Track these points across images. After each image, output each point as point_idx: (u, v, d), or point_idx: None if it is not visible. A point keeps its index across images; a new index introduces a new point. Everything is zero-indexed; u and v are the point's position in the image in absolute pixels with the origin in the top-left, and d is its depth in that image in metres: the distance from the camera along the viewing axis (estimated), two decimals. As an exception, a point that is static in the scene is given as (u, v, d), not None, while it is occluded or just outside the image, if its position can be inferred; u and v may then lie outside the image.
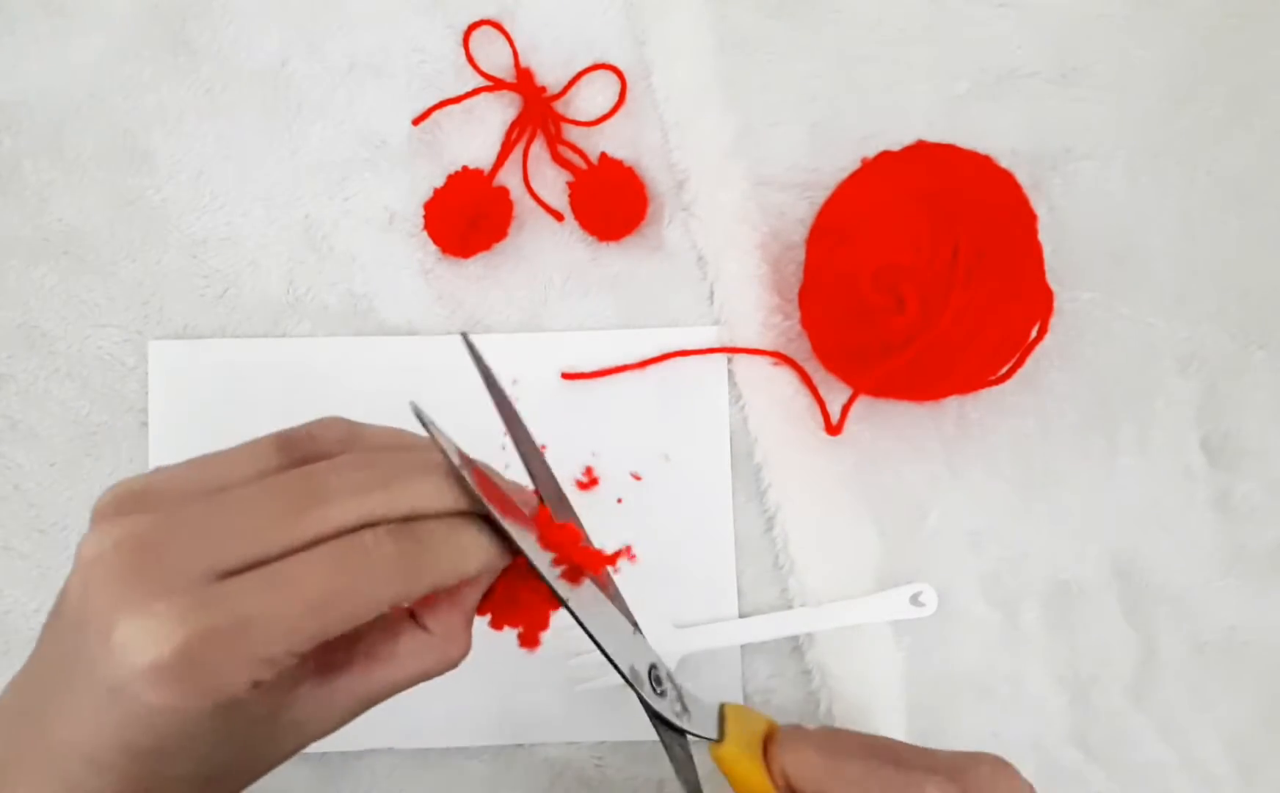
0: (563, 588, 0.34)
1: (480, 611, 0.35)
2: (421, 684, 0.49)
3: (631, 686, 0.36)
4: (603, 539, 0.51)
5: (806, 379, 0.53)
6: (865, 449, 0.53)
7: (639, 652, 0.36)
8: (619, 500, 0.52)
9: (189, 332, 0.53)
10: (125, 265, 0.54)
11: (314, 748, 0.50)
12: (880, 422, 0.53)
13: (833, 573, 0.52)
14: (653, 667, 0.37)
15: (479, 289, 0.54)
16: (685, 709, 0.38)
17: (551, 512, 0.35)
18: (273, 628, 0.28)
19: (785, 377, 0.53)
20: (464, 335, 0.35)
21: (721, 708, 0.39)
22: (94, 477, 0.52)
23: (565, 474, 0.52)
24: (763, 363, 0.53)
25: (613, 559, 0.35)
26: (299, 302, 0.54)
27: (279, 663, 0.28)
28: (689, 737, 0.37)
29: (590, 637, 0.34)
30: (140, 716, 0.28)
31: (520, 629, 0.36)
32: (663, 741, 0.37)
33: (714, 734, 0.38)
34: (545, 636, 0.36)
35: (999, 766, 0.37)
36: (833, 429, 0.52)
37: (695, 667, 0.51)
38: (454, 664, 0.34)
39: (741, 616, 0.52)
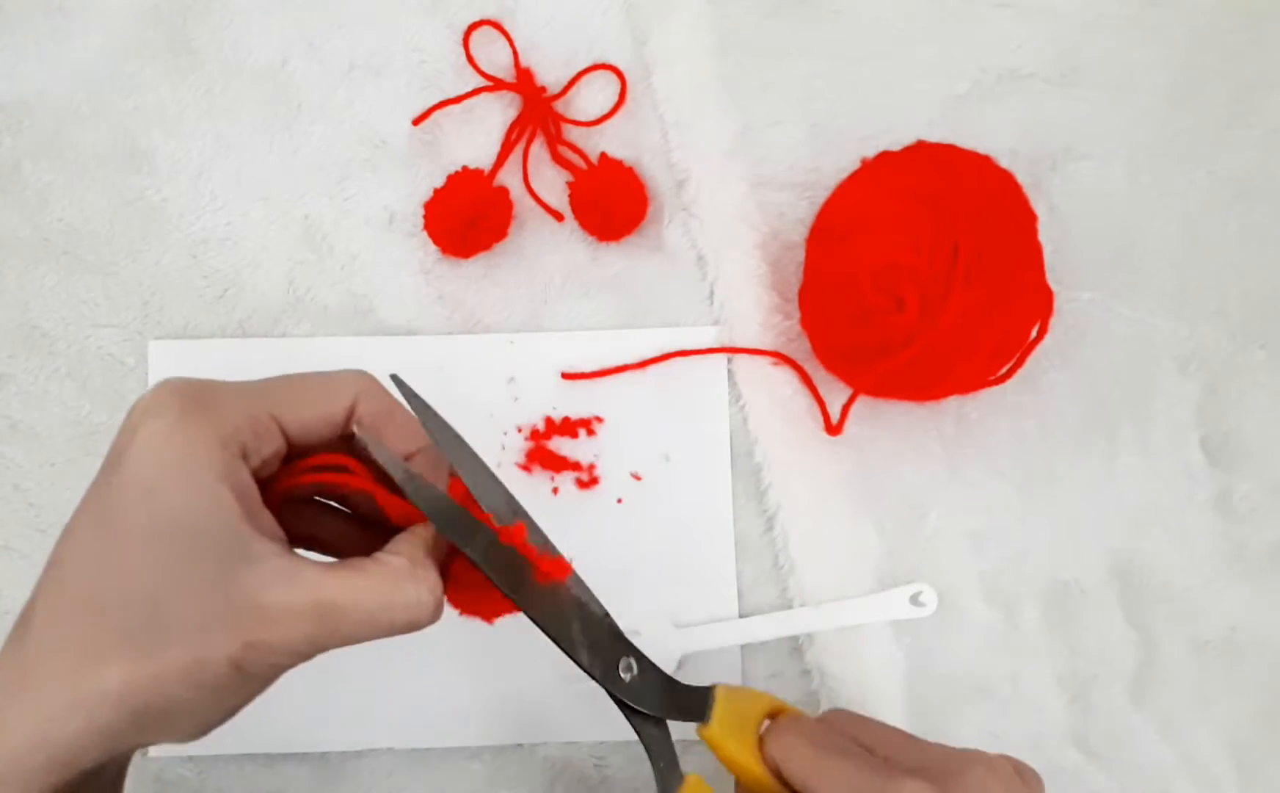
0: (520, 590, 0.34)
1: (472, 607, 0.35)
2: (421, 684, 0.50)
3: (593, 677, 0.36)
4: (603, 539, 0.51)
5: (806, 379, 0.53)
6: (865, 449, 0.53)
7: (609, 645, 0.37)
8: (619, 500, 0.52)
9: (189, 332, 0.53)
10: (125, 265, 0.54)
11: (314, 748, 0.51)
12: (880, 422, 0.53)
13: (833, 573, 0.52)
14: (624, 658, 0.37)
15: (479, 289, 0.54)
16: (668, 694, 0.38)
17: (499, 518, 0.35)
18: None
19: (785, 377, 0.53)
20: (394, 376, 0.34)
21: (713, 690, 0.39)
22: (93, 477, 0.52)
23: (565, 474, 0.52)
24: (763, 363, 0.53)
25: (568, 570, 0.36)
26: (299, 302, 0.54)
27: None
28: (671, 723, 0.38)
29: (547, 634, 0.35)
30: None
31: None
32: (633, 726, 0.38)
33: (701, 717, 0.38)
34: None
35: (993, 768, 0.36)
36: (833, 429, 0.52)
37: (695, 667, 0.51)
38: (419, 610, 0.31)
39: (741, 616, 0.52)
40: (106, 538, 0.30)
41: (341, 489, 0.34)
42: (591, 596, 0.38)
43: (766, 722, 0.40)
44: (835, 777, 0.36)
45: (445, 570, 0.34)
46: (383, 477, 0.33)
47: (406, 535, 0.33)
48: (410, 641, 0.51)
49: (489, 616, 0.36)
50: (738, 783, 0.39)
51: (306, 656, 0.31)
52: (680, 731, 0.39)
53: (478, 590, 0.35)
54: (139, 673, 0.28)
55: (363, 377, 0.33)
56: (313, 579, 0.30)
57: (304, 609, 0.29)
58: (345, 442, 0.34)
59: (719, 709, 0.39)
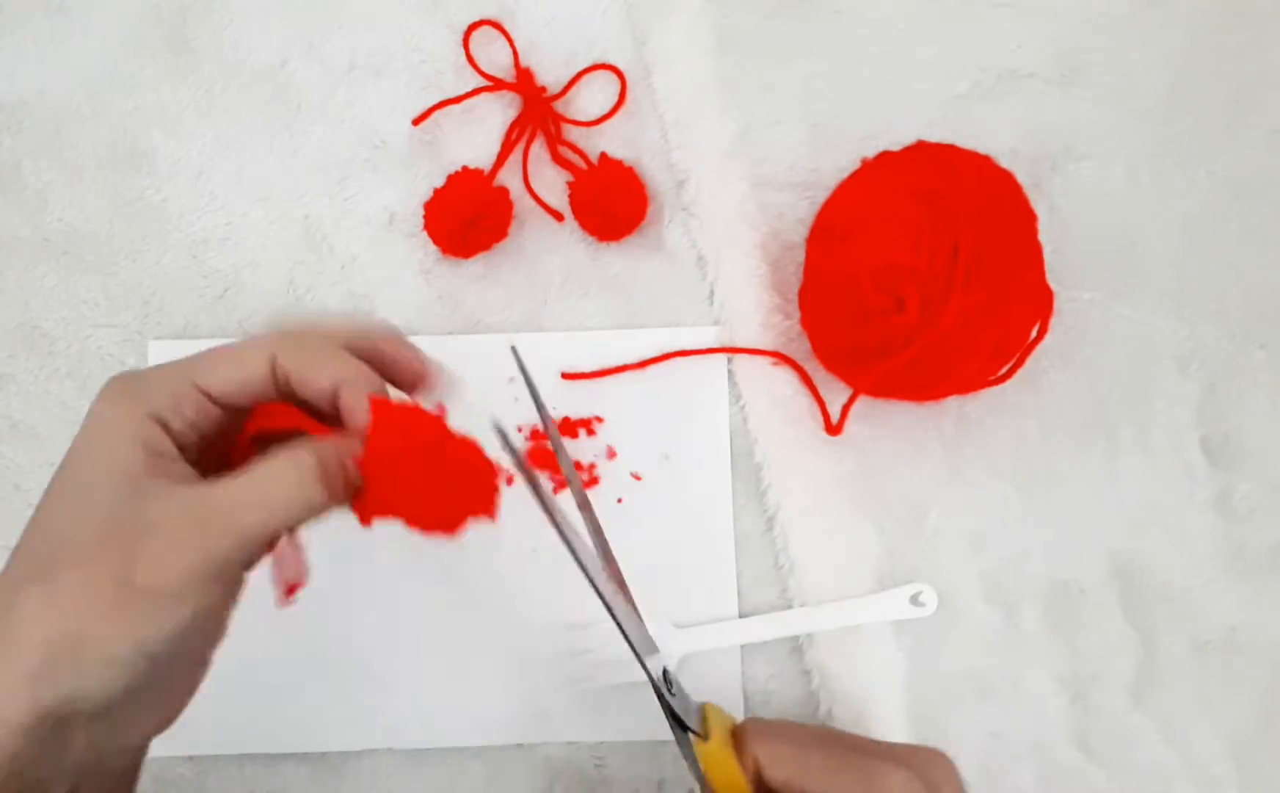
0: (601, 583, 0.36)
1: (398, 508, 0.35)
2: (421, 684, 0.50)
3: (658, 689, 0.37)
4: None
5: (806, 379, 0.53)
6: (865, 449, 0.53)
7: (655, 655, 0.38)
8: (619, 500, 0.52)
9: (189, 332, 0.53)
10: (125, 265, 0.54)
11: (314, 748, 0.51)
12: (880, 422, 0.53)
13: (833, 573, 0.52)
14: (665, 669, 0.38)
15: (479, 289, 0.54)
16: (686, 709, 0.39)
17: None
18: None
19: (785, 377, 0.53)
20: (513, 348, 0.39)
21: (703, 707, 0.40)
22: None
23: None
24: (763, 363, 0.53)
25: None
26: (299, 302, 0.54)
27: None
28: (689, 736, 0.38)
29: (628, 641, 0.36)
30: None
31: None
32: (678, 740, 0.38)
33: (704, 732, 0.39)
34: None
35: (943, 759, 0.38)
36: (833, 429, 0.52)
37: (695, 667, 0.51)
38: (295, 490, 0.33)
39: (741, 616, 0.52)
40: (44, 505, 0.34)
41: (280, 431, 0.36)
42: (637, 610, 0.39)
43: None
44: (821, 768, 0.36)
45: (349, 474, 0.34)
46: (314, 412, 0.36)
47: (295, 442, 0.35)
48: (410, 641, 0.51)
49: (428, 524, 0.36)
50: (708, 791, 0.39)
51: (204, 567, 0.32)
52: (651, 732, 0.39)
53: (439, 499, 0.35)
54: (42, 605, 0.31)
55: (278, 335, 0.36)
56: (193, 491, 0.33)
57: (182, 513, 0.32)
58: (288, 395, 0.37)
59: (712, 725, 0.39)
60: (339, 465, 0.34)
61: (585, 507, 0.40)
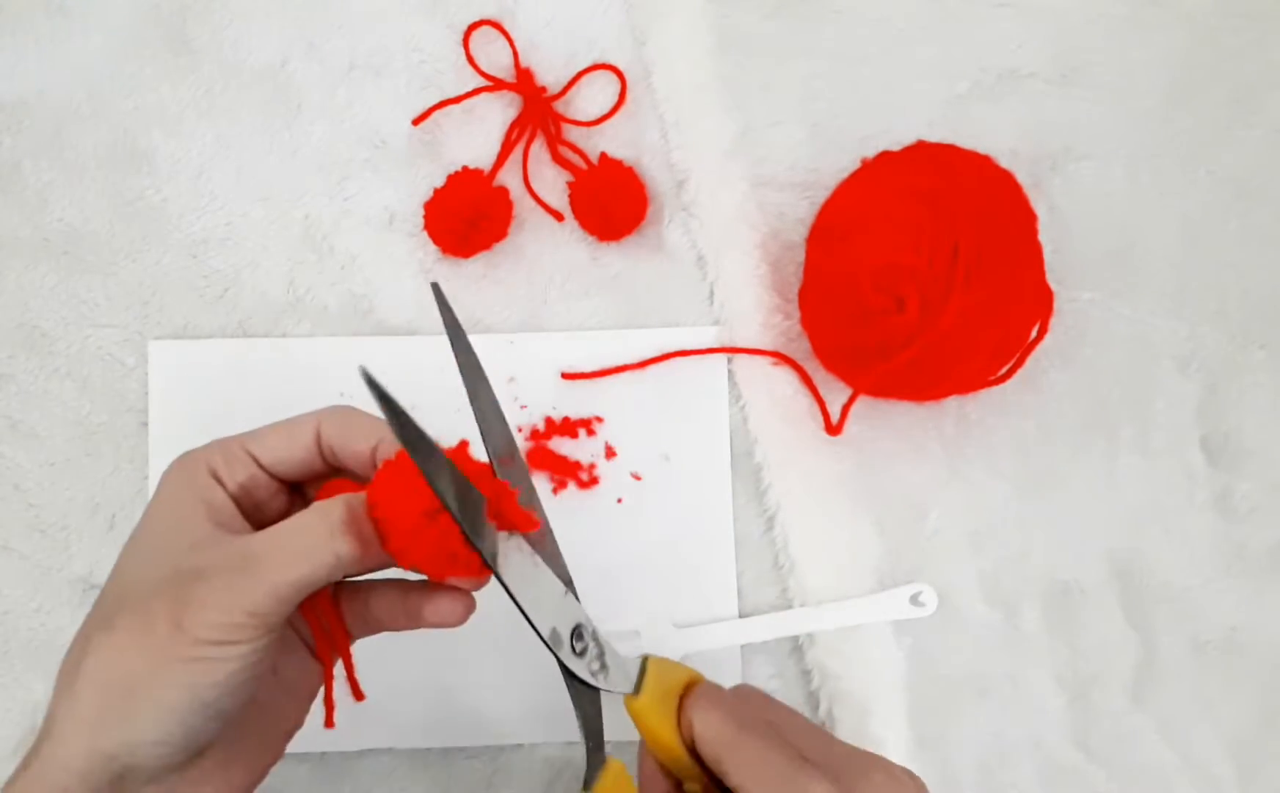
0: (489, 547, 0.34)
1: (411, 557, 0.35)
2: (421, 684, 0.50)
3: (545, 641, 0.36)
4: (603, 539, 0.51)
5: (806, 379, 0.53)
6: (865, 449, 0.53)
7: (565, 613, 0.37)
8: (619, 500, 0.52)
9: (189, 332, 0.53)
10: (125, 265, 0.54)
11: (314, 748, 0.50)
12: (880, 422, 0.53)
13: (833, 573, 0.52)
14: (578, 627, 0.37)
15: (479, 289, 0.54)
16: (604, 666, 0.38)
17: (497, 470, 0.37)
18: None
19: (785, 377, 0.53)
20: (434, 286, 0.38)
21: (644, 661, 0.39)
22: (94, 477, 0.52)
23: (565, 474, 0.52)
24: (763, 363, 0.53)
25: (535, 525, 0.36)
26: (299, 302, 0.54)
27: None
28: (603, 693, 0.38)
29: (510, 596, 0.35)
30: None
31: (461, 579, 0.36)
32: (571, 696, 0.38)
33: (630, 689, 0.38)
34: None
35: (892, 774, 0.36)
36: (833, 429, 0.52)
37: (695, 667, 0.51)
38: (322, 547, 0.34)
39: (741, 616, 0.52)
40: (118, 563, 0.36)
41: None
42: (561, 563, 0.38)
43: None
44: (749, 757, 0.35)
45: (372, 526, 0.34)
46: (363, 480, 0.36)
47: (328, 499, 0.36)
48: (410, 641, 0.51)
49: (441, 572, 0.35)
50: (645, 752, 0.39)
51: (243, 613, 0.32)
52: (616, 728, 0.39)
53: (438, 544, 0.35)
54: (102, 646, 0.32)
55: (326, 409, 0.38)
56: (239, 540, 0.34)
57: (226, 560, 0.33)
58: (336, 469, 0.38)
59: (649, 681, 0.39)
60: (366, 517, 0.34)
61: (510, 466, 0.39)
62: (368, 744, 0.51)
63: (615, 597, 0.51)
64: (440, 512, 0.33)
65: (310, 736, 0.51)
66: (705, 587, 0.52)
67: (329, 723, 0.39)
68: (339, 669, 0.39)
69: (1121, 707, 0.51)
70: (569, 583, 0.38)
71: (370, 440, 0.36)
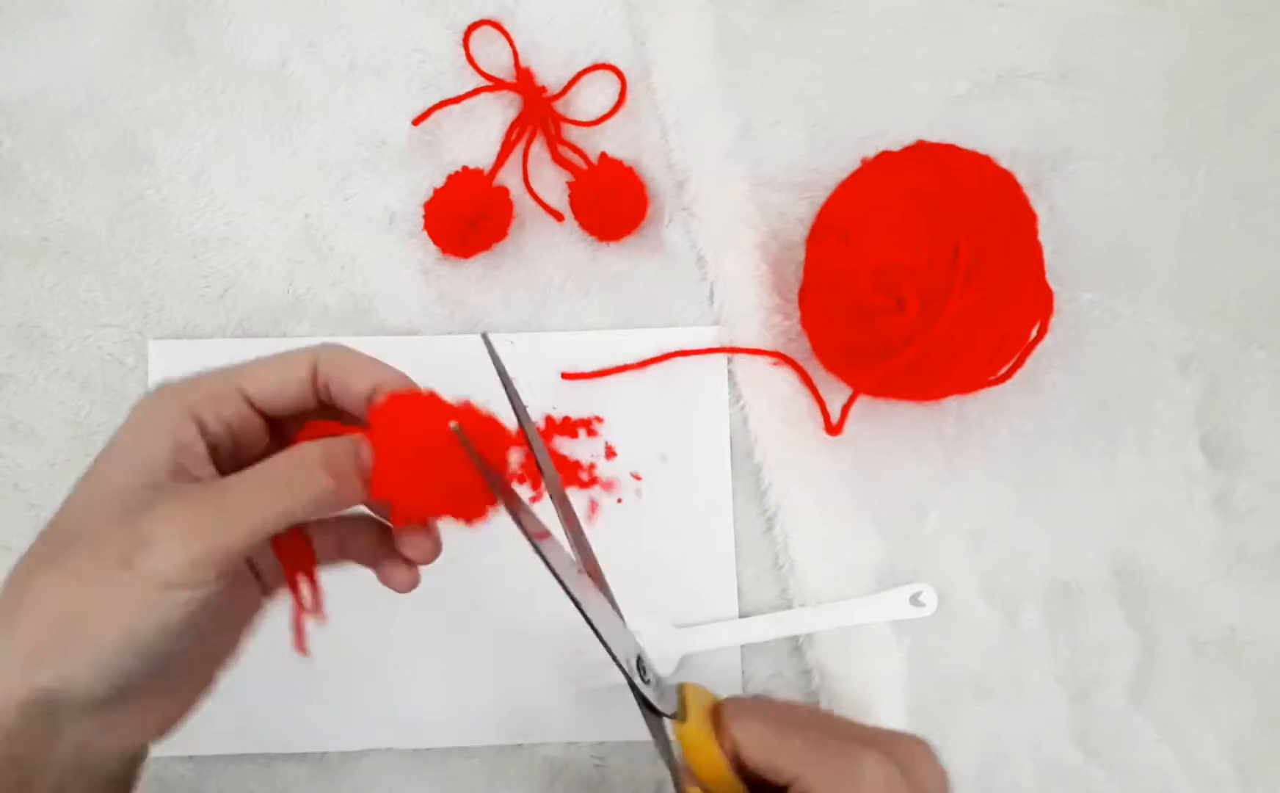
0: (569, 580, 0.35)
1: (407, 488, 0.35)
2: (421, 684, 0.50)
3: (627, 676, 0.37)
4: (603, 539, 0.51)
5: (806, 379, 0.53)
6: (865, 449, 0.53)
7: (628, 642, 0.38)
8: (619, 501, 0.52)
9: (189, 332, 0.53)
10: (125, 265, 0.54)
11: (314, 748, 0.51)
12: (880, 422, 0.53)
13: (833, 573, 0.52)
14: (639, 656, 0.38)
15: (479, 289, 0.54)
16: (662, 694, 0.39)
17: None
18: None
19: (785, 377, 0.53)
20: (484, 336, 0.39)
21: (681, 688, 0.40)
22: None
23: (565, 474, 0.52)
24: (763, 363, 0.53)
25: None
26: (299, 302, 0.54)
27: None
28: (664, 720, 0.38)
29: (592, 628, 0.36)
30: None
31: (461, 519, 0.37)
32: (649, 727, 0.38)
33: (680, 715, 0.39)
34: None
35: (921, 745, 0.38)
36: (833, 429, 0.52)
37: (695, 667, 0.51)
38: (304, 485, 0.34)
39: (741, 616, 0.52)
40: (72, 494, 0.34)
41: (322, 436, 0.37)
42: (611, 595, 0.39)
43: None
44: (799, 749, 0.36)
45: (364, 467, 0.35)
46: (352, 421, 0.36)
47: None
48: (410, 641, 0.51)
49: (433, 507, 0.36)
50: (690, 779, 0.39)
51: (205, 557, 0.32)
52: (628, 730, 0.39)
53: (437, 478, 0.35)
54: (46, 586, 0.32)
55: (321, 345, 0.37)
56: (205, 486, 0.34)
57: (190, 505, 0.32)
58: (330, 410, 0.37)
59: (690, 706, 0.39)
60: (349, 458, 0.34)
61: (563, 502, 0.39)
62: (368, 744, 0.51)
63: (616, 597, 0.51)
64: (450, 448, 0.34)
65: (310, 736, 0.51)
66: (705, 587, 0.52)
67: (300, 649, 0.37)
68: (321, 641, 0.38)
69: (1121, 707, 0.52)
70: (620, 615, 0.39)
71: (369, 382, 0.36)
